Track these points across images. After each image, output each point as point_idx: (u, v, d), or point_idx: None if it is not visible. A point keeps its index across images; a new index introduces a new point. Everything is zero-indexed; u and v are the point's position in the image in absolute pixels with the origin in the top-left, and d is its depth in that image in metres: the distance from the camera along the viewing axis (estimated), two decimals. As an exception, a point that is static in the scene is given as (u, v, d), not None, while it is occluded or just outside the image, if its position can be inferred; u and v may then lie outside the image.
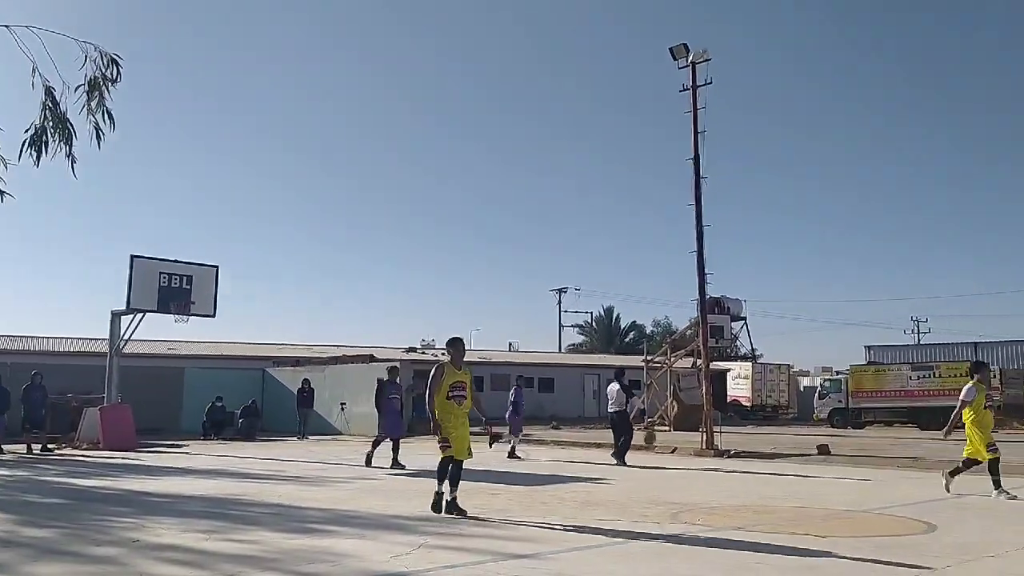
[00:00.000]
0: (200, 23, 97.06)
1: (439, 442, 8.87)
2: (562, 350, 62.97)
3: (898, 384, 31.87)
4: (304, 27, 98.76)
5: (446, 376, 8.92)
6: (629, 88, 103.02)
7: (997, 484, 10.41)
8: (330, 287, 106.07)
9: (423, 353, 40.09)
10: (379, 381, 16.25)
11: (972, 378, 10.85)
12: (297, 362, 32.48)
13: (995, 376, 31.39)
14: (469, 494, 10.68)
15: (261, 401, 29.24)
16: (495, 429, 11.15)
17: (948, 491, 10.68)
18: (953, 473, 10.95)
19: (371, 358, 30.40)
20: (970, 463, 10.80)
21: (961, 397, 10.71)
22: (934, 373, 31.38)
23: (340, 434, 27.28)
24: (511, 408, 18.09)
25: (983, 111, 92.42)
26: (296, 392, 26.60)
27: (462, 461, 8.88)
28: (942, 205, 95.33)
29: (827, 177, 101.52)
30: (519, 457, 17.24)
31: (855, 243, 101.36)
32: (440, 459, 8.91)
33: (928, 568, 6.07)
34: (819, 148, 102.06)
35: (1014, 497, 10.10)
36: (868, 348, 40.27)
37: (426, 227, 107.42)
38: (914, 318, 65.75)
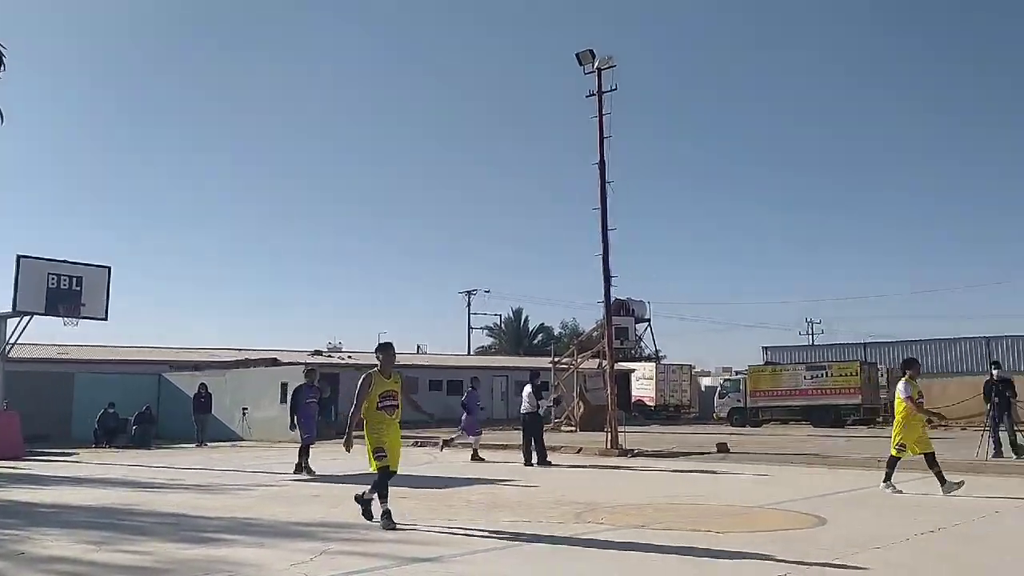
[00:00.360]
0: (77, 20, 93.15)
1: (374, 454, 8.36)
2: (471, 352, 62.97)
3: (793, 383, 33.07)
4: (187, 24, 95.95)
5: (375, 386, 8.41)
6: (538, 91, 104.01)
7: (888, 477, 10.84)
8: (231, 289, 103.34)
9: (329, 356, 39.44)
10: (298, 386, 15.82)
11: (904, 375, 11.11)
12: (196, 366, 31.49)
13: (883, 375, 32.96)
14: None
15: (157, 407, 28.24)
16: (451, 437, 11.10)
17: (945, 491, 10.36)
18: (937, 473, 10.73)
19: (275, 361, 29.77)
20: (929, 458, 10.75)
21: (899, 394, 10.89)
22: (826, 373, 32.69)
23: (241, 440, 26.58)
24: (464, 411, 18.07)
25: (871, 114, 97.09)
26: (193, 397, 25.76)
27: (395, 472, 8.50)
28: (834, 212, 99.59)
29: (728, 182, 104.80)
30: (483, 459, 17.13)
31: (754, 247, 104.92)
32: (378, 472, 8.39)
33: (814, 564, 6.31)
34: (720, 152, 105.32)
35: (900, 491, 10.58)
36: (765, 349, 41.72)
37: (332, 227, 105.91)
38: (808, 320, 68.60)
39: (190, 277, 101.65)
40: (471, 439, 17.65)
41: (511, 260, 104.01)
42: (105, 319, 22.47)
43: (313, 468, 14.73)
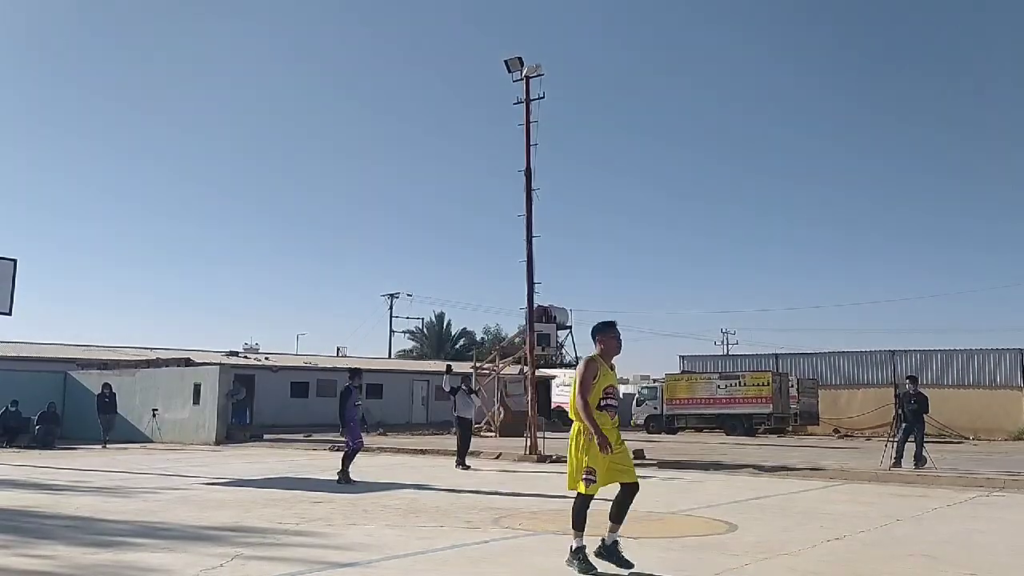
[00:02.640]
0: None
1: (584, 473, 6.25)
2: (392, 356, 62.46)
3: (708, 392, 33.84)
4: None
5: (600, 377, 6.28)
6: (468, 96, 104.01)
7: None
8: (142, 286, 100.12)
9: (246, 358, 38.54)
10: (345, 387, 14.29)
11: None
12: (104, 365, 30.37)
13: (793, 385, 34.01)
14: (289, 503, 10.40)
15: (62, 406, 27.14)
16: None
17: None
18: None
19: (188, 361, 28.96)
20: None
21: None
22: (740, 382, 33.58)
23: (151, 442, 25.75)
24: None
25: (792, 137, 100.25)
26: (96, 397, 24.83)
27: (636, 485, 6.54)
28: (753, 224, 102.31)
29: (649, 193, 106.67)
30: (352, 481, 16.46)
31: (672, 258, 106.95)
32: (578, 497, 6.35)
33: (726, 571, 6.48)
34: (640, 165, 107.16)
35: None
36: (682, 358, 42.49)
37: (250, 225, 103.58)
38: (723, 330, 70.33)
39: (98, 274, 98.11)
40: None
41: (435, 264, 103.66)
42: (9, 314, 21.41)
43: (352, 477, 13.54)
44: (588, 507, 6.30)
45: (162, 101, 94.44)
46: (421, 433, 30.52)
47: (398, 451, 21.25)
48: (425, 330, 67.18)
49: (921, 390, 17.36)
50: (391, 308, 65.04)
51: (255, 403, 30.72)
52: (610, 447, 6.13)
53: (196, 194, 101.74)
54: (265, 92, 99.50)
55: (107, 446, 23.36)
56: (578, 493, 6.29)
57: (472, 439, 17.46)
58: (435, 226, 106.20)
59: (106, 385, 25.09)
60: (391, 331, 65.04)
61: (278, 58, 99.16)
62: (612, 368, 6.47)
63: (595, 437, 6.06)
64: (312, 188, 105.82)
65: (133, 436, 25.92)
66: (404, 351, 66.43)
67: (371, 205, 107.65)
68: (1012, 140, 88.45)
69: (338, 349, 56.99)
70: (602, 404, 6.28)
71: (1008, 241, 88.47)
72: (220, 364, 27.91)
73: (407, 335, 67.61)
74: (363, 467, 16.74)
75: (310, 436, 26.45)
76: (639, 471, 14.14)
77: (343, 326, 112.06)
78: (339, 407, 14.02)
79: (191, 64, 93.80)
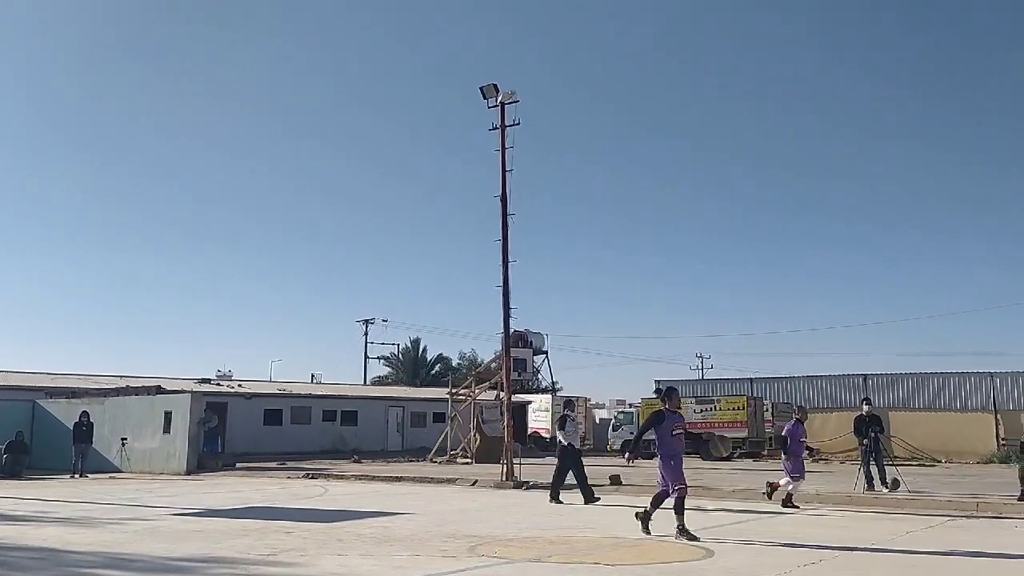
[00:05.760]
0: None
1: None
2: (367, 382, 61.99)
3: (683, 416, 33.85)
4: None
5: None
6: (442, 122, 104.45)
7: None
8: (112, 313, 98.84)
9: (218, 385, 38.06)
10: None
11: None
12: (73, 393, 29.84)
13: (767, 410, 34.11)
14: (261, 533, 10.25)
15: (31, 435, 26.59)
16: None
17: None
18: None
19: (159, 389, 28.52)
20: None
21: None
22: (715, 406, 33.64)
23: (120, 472, 25.29)
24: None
25: (763, 164, 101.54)
26: (73, 426, 24.40)
27: None
28: (726, 252, 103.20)
29: (622, 217, 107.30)
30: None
31: (649, 283, 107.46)
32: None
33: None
34: (619, 191, 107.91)
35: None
36: (658, 382, 42.51)
37: (223, 251, 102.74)
38: (698, 354, 70.57)
39: (68, 302, 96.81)
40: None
41: (410, 290, 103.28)
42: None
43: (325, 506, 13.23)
44: None
45: (133, 131, 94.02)
46: (396, 460, 30.25)
47: (373, 479, 21.02)
48: (401, 356, 66.78)
49: (875, 411, 17.81)
50: (366, 334, 64.69)
51: (227, 431, 30.26)
52: None
53: (167, 221, 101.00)
54: (238, 121, 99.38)
55: (83, 475, 22.99)
56: None
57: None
58: (411, 252, 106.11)
59: (84, 413, 24.68)
60: (366, 357, 64.63)
61: (247, 90, 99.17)
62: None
63: None
64: (286, 215, 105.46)
65: (102, 466, 25.44)
66: (379, 377, 65.95)
67: (346, 231, 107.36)
68: (982, 161, 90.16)
69: (312, 375, 56.52)
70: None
71: (975, 265, 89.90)
72: (192, 392, 27.52)
73: (382, 361, 67.20)
74: (337, 495, 16.58)
75: (284, 464, 26.12)
76: (614, 497, 14.09)
77: (318, 352, 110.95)
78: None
79: (153, 100, 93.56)
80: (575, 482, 14.86)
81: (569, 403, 16.24)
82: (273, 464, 26.26)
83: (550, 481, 15.15)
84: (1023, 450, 15.07)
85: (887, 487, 16.12)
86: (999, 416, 32.30)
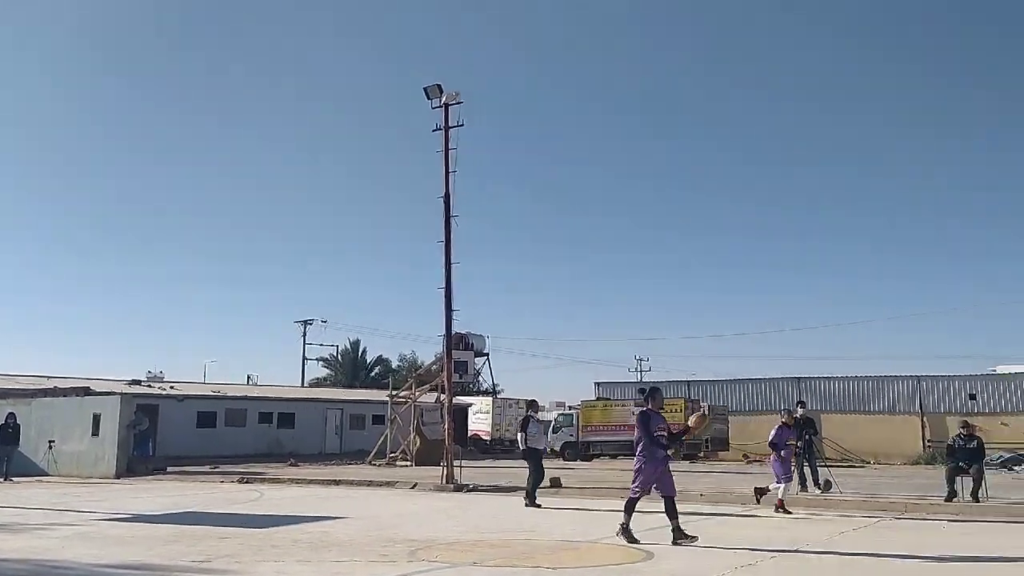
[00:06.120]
0: None
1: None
2: (305, 384, 61.09)
3: (622, 418, 34.13)
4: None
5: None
6: (387, 122, 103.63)
7: None
8: (38, 312, 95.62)
9: (149, 386, 37.04)
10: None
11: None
12: (-2, 394, 28.73)
13: (705, 412, 34.62)
14: (194, 539, 9.98)
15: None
16: None
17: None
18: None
19: (87, 391, 27.68)
20: None
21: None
22: (654, 408, 33.98)
23: (46, 475, 24.44)
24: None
25: (707, 165, 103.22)
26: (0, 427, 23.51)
27: None
28: (666, 253, 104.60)
29: (565, 219, 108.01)
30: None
31: (589, 285, 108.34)
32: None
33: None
34: (561, 192, 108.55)
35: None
36: (597, 384, 42.89)
37: (154, 249, 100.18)
38: (637, 357, 71.30)
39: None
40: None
41: (350, 291, 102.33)
42: None
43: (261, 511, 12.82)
44: None
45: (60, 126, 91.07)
46: (335, 463, 29.87)
47: (310, 482, 20.70)
48: (340, 357, 66.02)
49: (809, 413, 18.22)
50: (304, 335, 63.78)
51: (159, 434, 29.49)
52: None
53: (91, 218, 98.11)
54: (170, 114, 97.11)
55: (8, 479, 22.17)
56: None
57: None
58: (351, 252, 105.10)
59: (10, 415, 23.82)
60: (304, 358, 63.73)
61: (183, 83, 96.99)
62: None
63: None
64: (221, 212, 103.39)
65: (28, 469, 24.54)
66: (318, 379, 65.09)
67: (284, 230, 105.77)
68: (910, 179, 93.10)
69: (248, 377, 55.51)
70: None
71: (903, 273, 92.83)
72: (121, 393, 26.75)
73: (321, 363, 66.35)
74: (273, 499, 16.28)
75: (217, 468, 25.57)
76: (555, 499, 14.11)
77: (254, 354, 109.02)
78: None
79: (72, 92, 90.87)
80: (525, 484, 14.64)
81: (532, 404, 15.88)
82: (206, 468, 25.69)
83: (489, 484, 15.11)
84: (949, 452, 15.51)
85: (820, 489, 16.48)
86: (925, 419, 33.41)
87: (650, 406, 9.94)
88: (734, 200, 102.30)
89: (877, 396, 35.20)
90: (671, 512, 9.47)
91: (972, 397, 33.07)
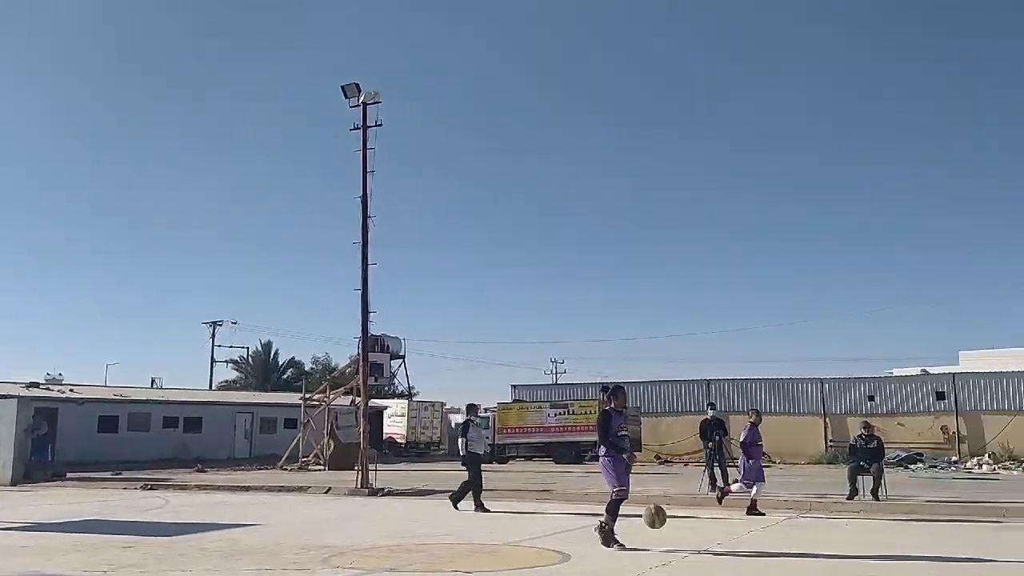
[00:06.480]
0: None
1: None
2: (214, 387, 59.40)
3: (538, 421, 34.37)
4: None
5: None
6: (304, 121, 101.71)
7: None
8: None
9: (48, 389, 35.39)
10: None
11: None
12: None
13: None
14: (96, 549, 9.57)
15: None
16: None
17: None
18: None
19: (-21, 394, 26.21)
20: None
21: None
22: (568, 411, 34.35)
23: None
24: None
25: (626, 169, 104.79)
26: None
27: None
28: (580, 253, 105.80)
29: (480, 220, 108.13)
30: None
31: (504, 287, 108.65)
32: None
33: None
34: (474, 196, 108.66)
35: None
36: (514, 387, 43.03)
37: (52, 246, 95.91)
38: (552, 360, 72.00)
39: None
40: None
41: (263, 292, 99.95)
42: None
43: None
44: None
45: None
46: (244, 469, 29.12)
47: (218, 488, 20.10)
48: (251, 360, 64.44)
49: (720, 415, 18.69)
50: (213, 337, 62.02)
51: (58, 439, 28.17)
52: None
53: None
54: (72, 104, 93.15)
55: None
56: None
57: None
58: (263, 252, 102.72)
59: None
60: (212, 361, 61.99)
61: (84, 74, 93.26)
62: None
63: None
64: (123, 210, 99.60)
65: (-87, 477, 23.14)
66: (227, 382, 63.37)
67: (193, 228, 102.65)
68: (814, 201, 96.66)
69: (153, 380, 53.64)
70: None
71: (811, 281, 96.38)
72: (18, 396, 25.49)
73: (230, 365, 64.62)
74: (180, 507, 15.73)
75: (120, 474, 24.62)
76: (470, 502, 14.03)
77: (160, 356, 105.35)
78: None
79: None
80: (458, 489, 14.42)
81: (473, 408, 15.67)
82: (108, 474, 24.70)
83: (405, 488, 14.95)
84: (851, 452, 16.10)
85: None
86: (828, 420, 34.67)
87: (612, 405, 9.66)
88: (643, 209, 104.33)
89: (783, 398, 36.33)
90: (615, 511, 9.28)
91: (871, 399, 34.46)
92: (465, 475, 14.39)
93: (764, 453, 14.65)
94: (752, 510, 12.93)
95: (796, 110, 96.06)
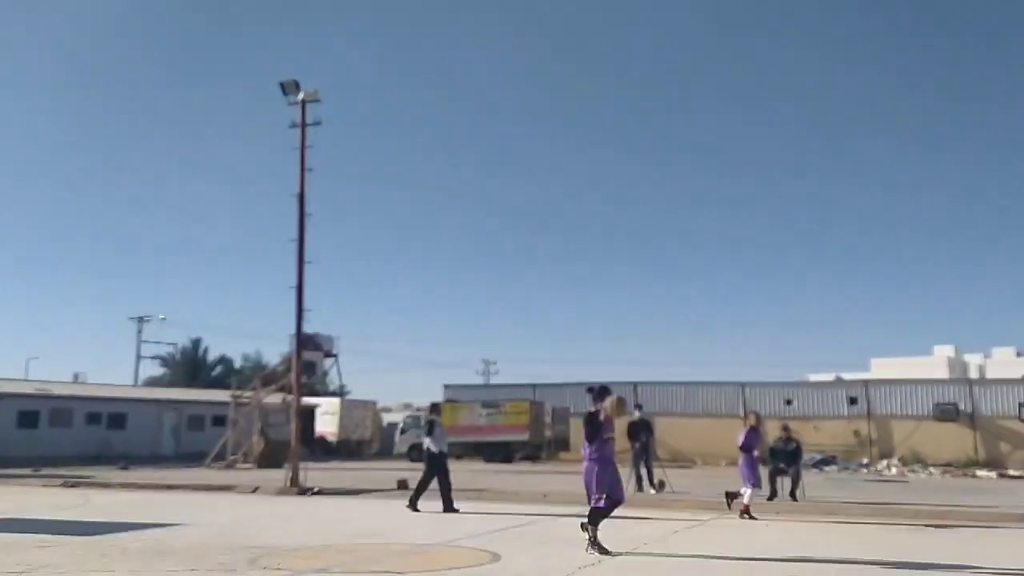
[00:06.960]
0: None
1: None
2: (139, 383, 57.86)
3: (470, 420, 34.44)
4: None
5: None
6: (242, 114, 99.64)
7: None
8: None
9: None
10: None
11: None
12: None
13: (548, 414, 35.49)
14: (11, 548, 9.32)
15: None
16: None
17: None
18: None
19: None
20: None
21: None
22: (500, 411, 34.53)
23: None
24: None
25: (577, 166, 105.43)
26: None
27: None
28: (514, 258, 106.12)
29: (414, 220, 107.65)
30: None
31: (437, 287, 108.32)
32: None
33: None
34: (410, 191, 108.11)
35: None
36: (446, 386, 43.00)
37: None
38: (485, 360, 72.00)
39: None
40: None
41: (191, 287, 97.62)
42: None
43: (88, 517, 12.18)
44: None
45: None
46: (170, 467, 28.51)
47: (143, 487, 19.66)
48: (178, 356, 62.94)
49: (647, 416, 19.11)
50: (140, 332, 60.45)
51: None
52: None
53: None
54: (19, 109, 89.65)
55: None
56: None
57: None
58: (192, 247, 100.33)
59: None
60: (138, 356, 60.40)
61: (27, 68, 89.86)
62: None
63: None
64: (44, 198, 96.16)
65: None
66: (153, 378, 61.79)
67: (121, 217, 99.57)
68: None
69: (76, 375, 51.91)
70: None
71: (737, 285, 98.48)
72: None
73: (158, 361, 63.03)
74: (102, 505, 15.37)
75: (39, 471, 23.87)
76: (402, 501, 14.06)
77: (83, 350, 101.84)
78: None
79: None
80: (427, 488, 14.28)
81: (436, 408, 15.50)
82: (27, 471, 23.96)
83: (335, 487, 14.89)
84: (772, 454, 16.60)
85: (655, 489, 17.26)
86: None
87: (599, 407, 9.25)
88: (582, 213, 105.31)
89: (706, 400, 37.20)
90: (598, 520, 8.99)
91: (788, 402, 35.54)
92: (420, 475, 14.40)
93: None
94: (745, 513, 13.06)
95: (708, 133, 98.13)
